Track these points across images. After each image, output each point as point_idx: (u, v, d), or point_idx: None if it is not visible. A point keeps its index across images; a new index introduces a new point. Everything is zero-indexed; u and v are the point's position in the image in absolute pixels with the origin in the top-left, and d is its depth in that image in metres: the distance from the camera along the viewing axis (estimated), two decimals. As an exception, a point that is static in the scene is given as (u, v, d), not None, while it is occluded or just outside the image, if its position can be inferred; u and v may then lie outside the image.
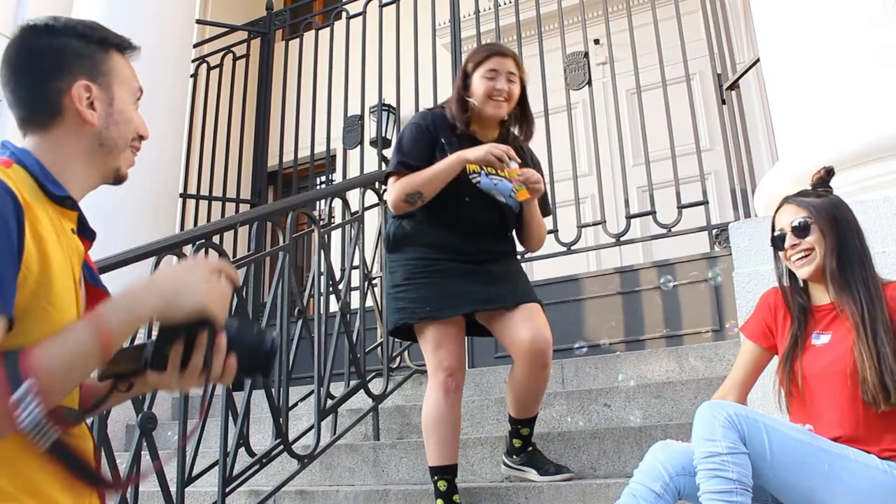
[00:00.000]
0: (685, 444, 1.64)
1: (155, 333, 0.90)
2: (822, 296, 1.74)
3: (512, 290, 2.22)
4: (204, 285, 0.90)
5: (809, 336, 1.71)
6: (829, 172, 1.82)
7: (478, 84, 2.23)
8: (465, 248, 2.23)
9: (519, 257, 3.85)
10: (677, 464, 1.59)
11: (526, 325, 2.15)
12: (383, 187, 3.34)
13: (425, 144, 2.24)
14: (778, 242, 1.77)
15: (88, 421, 1.07)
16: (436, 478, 2.16)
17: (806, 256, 1.71)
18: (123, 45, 1.09)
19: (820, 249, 1.70)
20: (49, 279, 0.89)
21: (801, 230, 1.72)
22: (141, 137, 1.08)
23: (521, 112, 2.34)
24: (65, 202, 0.99)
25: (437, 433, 2.17)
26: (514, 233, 2.40)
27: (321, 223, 2.89)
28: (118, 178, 1.07)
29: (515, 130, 2.38)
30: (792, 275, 1.80)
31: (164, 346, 0.89)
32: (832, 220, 1.71)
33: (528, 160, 2.37)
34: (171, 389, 0.95)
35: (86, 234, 1.05)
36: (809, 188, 1.82)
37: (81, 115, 1.01)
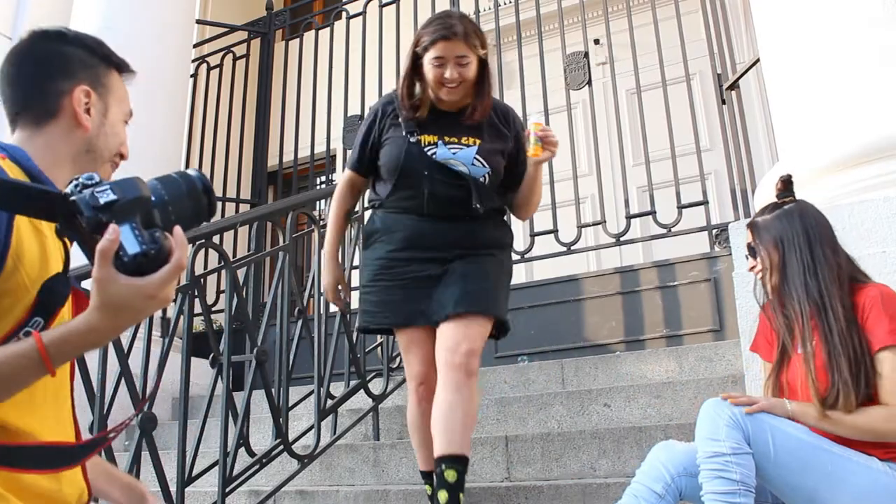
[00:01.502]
0: (687, 444, 1.64)
1: None
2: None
3: (458, 297, 2.00)
4: (165, 301, 0.83)
5: (796, 347, 1.72)
6: (786, 183, 1.82)
7: (427, 69, 2.06)
8: (434, 240, 2.06)
9: (518, 257, 3.91)
10: (679, 464, 1.59)
11: (449, 334, 1.97)
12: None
13: (370, 143, 2.15)
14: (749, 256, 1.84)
15: (86, 426, 1.08)
16: (425, 482, 2.17)
17: (763, 277, 1.77)
18: (122, 67, 1.13)
19: (767, 268, 1.75)
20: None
21: (750, 252, 1.80)
22: (122, 156, 1.11)
23: (478, 90, 2.11)
24: None
25: (416, 440, 2.14)
26: (504, 217, 2.24)
27: (321, 223, 2.88)
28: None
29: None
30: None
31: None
32: (774, 239, 1.74)
33: (504, 126, 2.19)
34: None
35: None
36: (775, 201, 1.83)
37: (78, 117, 1.03)
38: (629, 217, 3.63)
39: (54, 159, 1.02)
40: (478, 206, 2.06)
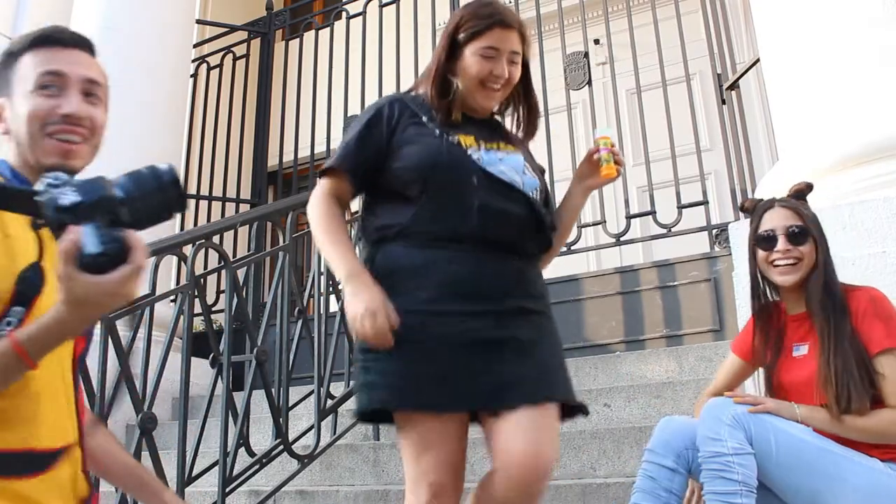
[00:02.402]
0: (688, 418, 1.66)
1: None
2: (795, 305, 1.73)
3: (537, 377, 1.46)
4: (128, 296, 0.86)
5: (789, 348, 1.71)
6: (810, 187, 1.80)
7: (471, 62, 1.57)
8: (485, 286, 1.47)
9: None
10: (686, 437, 1.62)
11: (524, 435, 1.41)
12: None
13: (373, 146, 1.56)
14: (764, 243, 1.72)
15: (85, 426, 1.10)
16: None
17: (794, 265, 1.68)
18: (35, 42, 1.10)
19: (809, 260, 1.69)
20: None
21: (796, 237, 1.69)
22: (66, 117, 1.07)
23: (524, 101, 1.69)
24: None
25: None
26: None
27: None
28: (52, 170, 1.10)
29: (510, 124, 1.71)
30: (763, 278, 1.78)
31: None
32: (822, 234, 1.71)
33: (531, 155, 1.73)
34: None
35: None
36: (791, 197, 1.81)
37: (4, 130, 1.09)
38: (629, 217, 3.63)
39: (18, 165, 1.08)
40: (546, 229, 1.58)
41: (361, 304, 1.40)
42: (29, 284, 0.97)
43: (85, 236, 0.80)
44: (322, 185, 1.59)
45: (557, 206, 1.76)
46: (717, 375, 1.88)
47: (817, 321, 1.64)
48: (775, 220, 1.73)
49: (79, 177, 0.87)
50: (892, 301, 1.64)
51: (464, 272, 1.47)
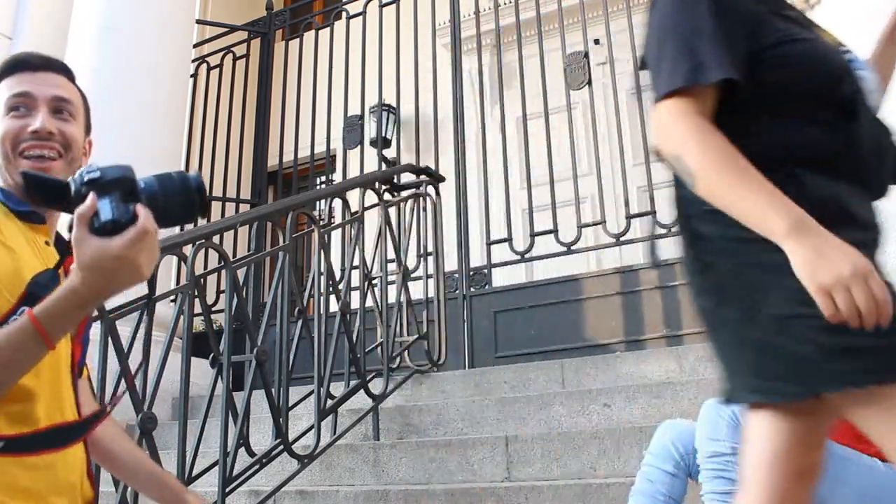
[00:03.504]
0: (689, 421, 1.66)
1: None
2: None
3: None
4: (135, 266, 0.90)
5: None
6: None
7: None
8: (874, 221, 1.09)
9: (518, 257, 3.92)
10: (688, 442, 1.61)
11: None
12: (383, 187, 3.35)
13: (740, 29, 1.07)
14: None
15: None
16: None
17: None
18: (7, 68, 1.14)
19: None
20: None
21: None
22: (34, 133, 1.10)
23: None
24: (30, 217, 1.08)
25: None
26: None
27: (321, 223, 2.89)
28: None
29: None
30: None
31: None
32: None
33: None
34: None
35: (61, 246, 1.12)
36: None
37: None
38: (629, 217, 3.63)
39: (6, 186, 1.10)
40: None
41: (846, 264, 0.93)
42: (38, 286, 0.99)
43: (100, 205, 0.89)
44: (680, 113, 1.11)
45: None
46: None
47: None
48: None
49: None
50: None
51: (866, 209, 1.09)
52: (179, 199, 0.95)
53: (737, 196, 0.98)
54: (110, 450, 1.23)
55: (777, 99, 1.07)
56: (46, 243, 1.10)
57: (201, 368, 2.94)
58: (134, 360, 2.26)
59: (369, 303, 3.19)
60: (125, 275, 0.88)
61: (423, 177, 3.64)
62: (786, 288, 0.97)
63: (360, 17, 4.63)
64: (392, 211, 3.47)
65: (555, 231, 3.73)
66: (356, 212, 3.16)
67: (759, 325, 1.01)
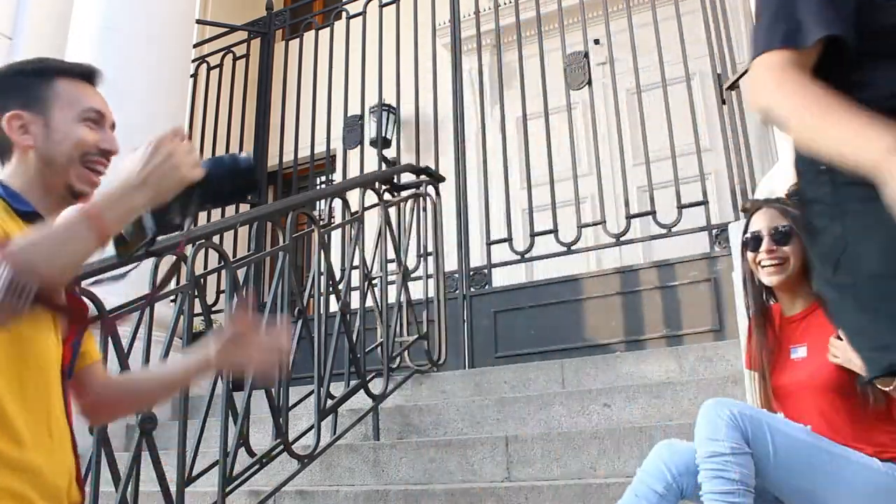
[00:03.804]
0: (689, 443, 1.64)
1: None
2: (790, 306, 1.73)
3: None
4: (177, 162, 0.98)
5: (787, 350, 1.71)
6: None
7: None
8: None
9: (518, 257, 3.92)
10: (681, 463, 1.59)
11: None
12: (383, 187, 3.35)
13: None
14: (751, 244, 1.74)
15: (86, 427, 1.11)
16: None
17: (780, 265, 1.70)
18: (72, 72, 1.16)
19: (796, 260, 1.69)
20: None
21: (781, 237, 1.70)
22: (105, 153, 1.14)
23: None
24: (32, 218, 1.08)
25: None
26: None
27: (321, 223, 2.88)
28: (74, 194, 1.13)
29: None
30: (754, 277, 1.78)
31: (163, 217, 1.04)
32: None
33: None
34: None
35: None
36: (784, 197, 1.81)
37: (17, 141, 1.10)
38: (629, 217, 3.63)
39: (26, 183, 1.10)
40: None
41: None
42: None
43: None
44: (775, 65, 1.00)
45: None
46: (755, 402, 1.78)
47: (810, 316, 1.65)
48: (762, 221, 1.75)
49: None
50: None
51: None
52: (228, 178, 1.03)
53: (827, 124, 0.88)
54: (115, 392, 1.25)
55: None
56: None
57: (201, 368, 2.94)
58: (134, 360, 2.26)
59: (369, 303, 3.19)
60: (167, 163, 0.97)
61: (423, 177, 3.63)
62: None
63: (360, 17, 4.63)
64: (392, 211, 3.47)
65: (555, 231, 3.73)
66: (356, 212, 3.16)
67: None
